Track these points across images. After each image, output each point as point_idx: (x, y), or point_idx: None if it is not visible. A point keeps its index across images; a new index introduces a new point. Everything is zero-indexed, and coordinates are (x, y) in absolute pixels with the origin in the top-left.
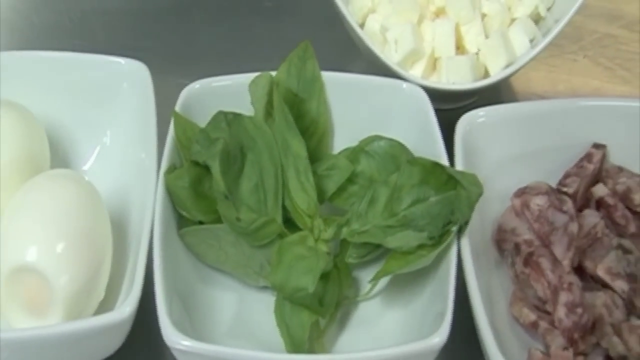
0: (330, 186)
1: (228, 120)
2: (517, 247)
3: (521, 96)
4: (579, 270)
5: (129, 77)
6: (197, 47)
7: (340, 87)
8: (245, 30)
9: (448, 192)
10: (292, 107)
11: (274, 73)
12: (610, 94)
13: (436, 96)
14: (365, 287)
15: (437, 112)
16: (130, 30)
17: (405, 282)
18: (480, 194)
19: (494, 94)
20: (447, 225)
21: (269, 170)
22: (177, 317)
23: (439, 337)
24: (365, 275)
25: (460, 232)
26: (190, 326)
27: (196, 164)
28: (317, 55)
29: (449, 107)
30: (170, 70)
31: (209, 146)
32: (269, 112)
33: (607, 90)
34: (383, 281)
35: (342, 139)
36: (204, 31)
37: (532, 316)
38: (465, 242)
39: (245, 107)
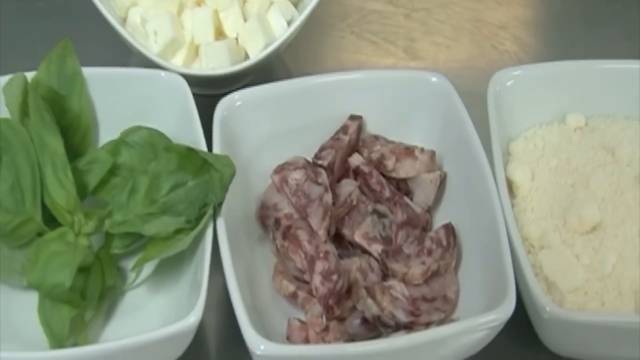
0: (92, 180)
1: None
2: (277, 221)
3: (293, 76)
4: (339, 238)
5: None
6: None
7: (101, 82)
8: (16, 30)
9: (203, 175)
10: (53, 105)
11: (31, 73)
12: (375, 67)
13: (202, 83)
14: (132, 276)
15: (208, 97)
16: None
17: (169, 268)
18: (232, 175)
19: (268, 74)
20: (204, 208)
21: (25, 170)
22: None
23: (194, 316)
24: (132, 265)
25: (215, 213)
26: None
27: None
28: (95, 53)
29: (224, 91)
30: None
31: None
32: (25, 112)
33: (373, 64)
34: (149, 269)
35: (108, 132)
36: None
37: (291, 287)
38: (220, 222)
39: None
